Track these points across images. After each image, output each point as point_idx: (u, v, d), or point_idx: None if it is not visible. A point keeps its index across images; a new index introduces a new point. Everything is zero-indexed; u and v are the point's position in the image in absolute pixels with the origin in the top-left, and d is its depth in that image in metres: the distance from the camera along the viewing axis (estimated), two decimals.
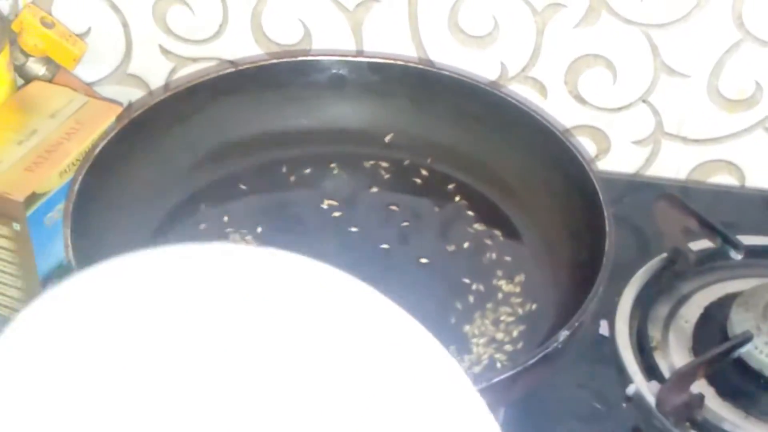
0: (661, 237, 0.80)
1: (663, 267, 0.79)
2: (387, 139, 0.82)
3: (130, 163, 0.74)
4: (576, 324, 0.60)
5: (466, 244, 0.75)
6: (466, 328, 0.69)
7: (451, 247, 0.75)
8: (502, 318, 0.70)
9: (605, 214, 0.68)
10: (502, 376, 0.58)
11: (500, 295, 0.72)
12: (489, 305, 0.71)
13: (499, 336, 0.69)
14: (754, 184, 0.92)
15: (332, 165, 0.81)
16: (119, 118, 0.75)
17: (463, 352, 0.67)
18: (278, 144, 0.81)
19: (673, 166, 0.92)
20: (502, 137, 0.79)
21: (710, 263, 0.79)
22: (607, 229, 0.67)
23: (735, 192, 0.92)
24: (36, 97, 0.78)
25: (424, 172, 0.81)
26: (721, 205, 0.89)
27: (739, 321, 0.72)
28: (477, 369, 0.66)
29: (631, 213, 0.86)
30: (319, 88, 0.82)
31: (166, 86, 0.91)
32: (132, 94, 0.91)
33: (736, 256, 0.76)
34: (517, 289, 0.72)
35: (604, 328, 0.75)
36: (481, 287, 0.72)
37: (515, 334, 0.69)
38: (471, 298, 0.71)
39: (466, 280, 0.72)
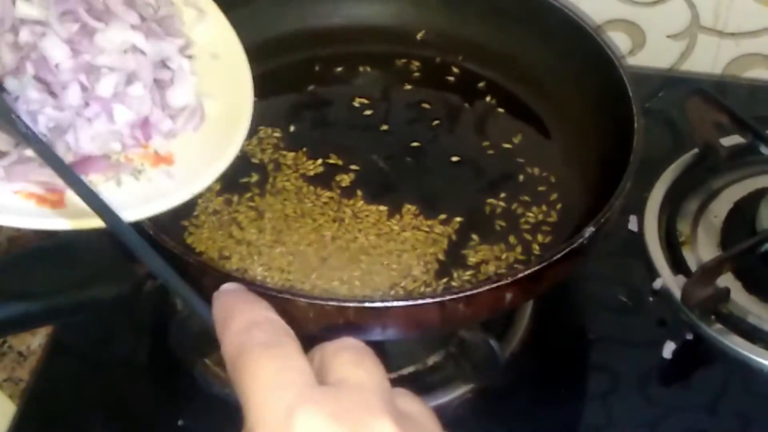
0: (693, 132, 0.79)
1: (694, 162, 0.79)
2: (418, 36, 0.82)
3: None
4: (602, 220, 0.60)
5: (496, 142, 0.76)
6: (496, 225, 0.70)
7: (482, 145, 0.76)
8: (531, 215, 0.71)
9: (634, 109, 0.67)
10: (530, 270, 0.59)
11: (529, 194, 0.72)
12: (518, 204, 0.71)
13: (528, 234, 0.70)
14: None
15: (364, 63, 0.81)
16: None
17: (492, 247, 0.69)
18: (311, 42, 0.81)
19: (708, 60, 0.91)
20: (534, 34, 0.78)
21: (741, 159, 0.79)
22: (636, 124, 0.66)
23: None
24: None
25: (455, 70, 0.81)
26: (756, 99, 0.89)
27: None
28: (506, 264, 0.67)
29: (665, 108, 0.86)
30: None
31: None
32: None
33: (767, 151, 0.76)
34: (547, 188, 0.73)
35: (633, 224, 0.76)
36: (511, 185, 0.72)
37: (544, 230, 0.70)
38: (500, 196, 0.72)
39: (496, 178, 0.73)
